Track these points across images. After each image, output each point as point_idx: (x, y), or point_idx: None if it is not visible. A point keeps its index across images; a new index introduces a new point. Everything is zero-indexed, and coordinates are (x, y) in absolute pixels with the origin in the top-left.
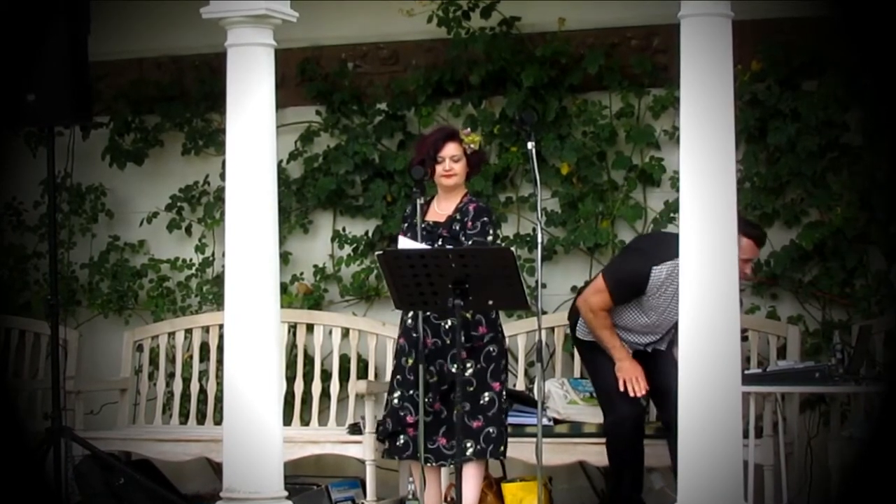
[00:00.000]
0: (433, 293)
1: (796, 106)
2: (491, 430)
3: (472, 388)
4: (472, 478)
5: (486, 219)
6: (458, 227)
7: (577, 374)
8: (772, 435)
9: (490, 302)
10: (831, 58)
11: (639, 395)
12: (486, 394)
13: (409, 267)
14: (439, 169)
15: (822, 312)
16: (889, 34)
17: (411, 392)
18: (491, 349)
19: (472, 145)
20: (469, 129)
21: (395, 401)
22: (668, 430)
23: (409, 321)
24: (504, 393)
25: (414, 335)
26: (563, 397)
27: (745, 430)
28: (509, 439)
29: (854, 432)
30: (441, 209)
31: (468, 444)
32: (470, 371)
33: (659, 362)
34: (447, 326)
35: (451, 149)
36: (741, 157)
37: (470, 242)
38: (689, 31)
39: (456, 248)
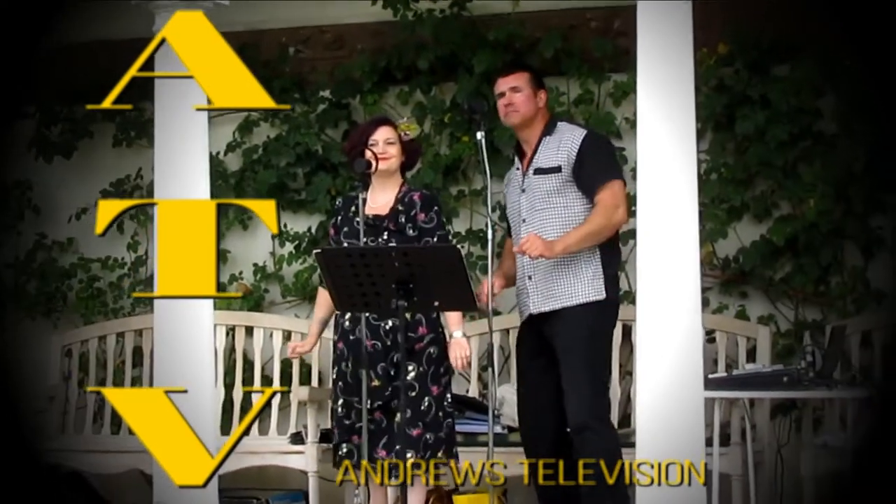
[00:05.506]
0: (376, 294)
1: (766, 92)
2: (429, 437)
3: (413, 393)
4: (418, 487)
5: (437, 208)
6: (404, 220)
7: None
8: (740, 443)
9: (436, 303)
10: (804, 40)
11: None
12: (426, 398)
13: (349, 266)
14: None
15: (794, 312)
16: (870, 15)
17: (355, 399)
18: (431, 351)
19: (407, 132)
20: (408, 118)
21: (340, 409)
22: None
23: (347, 324)
24: (448, 397)
25: (351, 338)
26: None
27: (710, 438)
28: (461, 449)
29: (828, 440)
30: (376, 202)
31: (409, 455)
32: (412, 375)
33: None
34: (387, 328)
35: (383, 132)
36: (707, 147)
37: (435, 239)
38: (646, 11)
39: (399, 245)
